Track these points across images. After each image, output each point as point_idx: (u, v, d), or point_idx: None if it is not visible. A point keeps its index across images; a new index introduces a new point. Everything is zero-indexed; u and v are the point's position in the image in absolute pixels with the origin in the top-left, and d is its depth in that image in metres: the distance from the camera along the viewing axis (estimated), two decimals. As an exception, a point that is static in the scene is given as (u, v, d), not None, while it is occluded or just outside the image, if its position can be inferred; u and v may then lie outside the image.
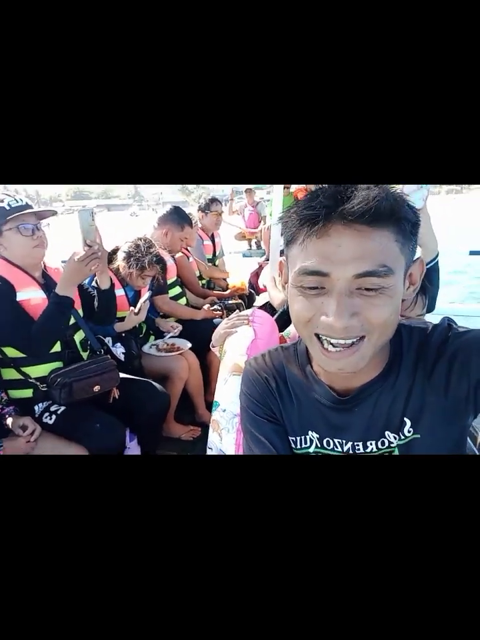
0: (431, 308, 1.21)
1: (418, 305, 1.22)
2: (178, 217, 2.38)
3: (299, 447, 0.71)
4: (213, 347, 1.23)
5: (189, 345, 2.12)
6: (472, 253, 3.20)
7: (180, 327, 2.20)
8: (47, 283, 1.54)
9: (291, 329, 1.22)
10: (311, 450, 0.70)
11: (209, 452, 1.01)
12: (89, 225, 1.45)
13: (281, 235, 0.58)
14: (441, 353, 0.61)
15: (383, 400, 0.64)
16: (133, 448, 1.70)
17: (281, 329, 1.22)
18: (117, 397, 1.63)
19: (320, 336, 0.55)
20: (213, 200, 2.92)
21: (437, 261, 1.21)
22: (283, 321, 1.29)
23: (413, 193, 0.95)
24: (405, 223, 0.50)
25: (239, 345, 1.07)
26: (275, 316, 1.32)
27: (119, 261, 1.96)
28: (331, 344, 0.55)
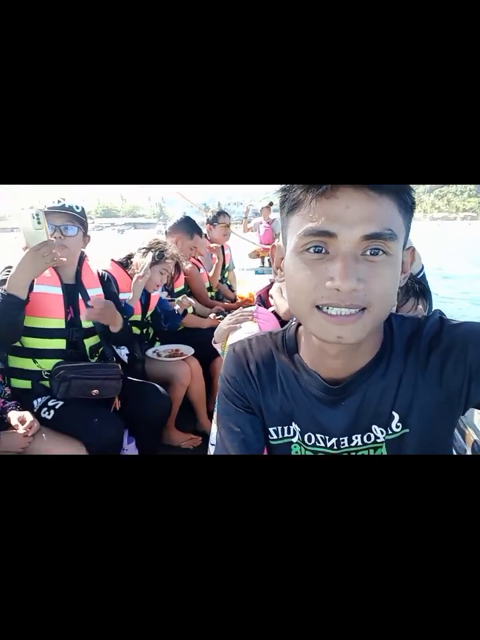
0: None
1: (419, 311, 1.21)
2: (188, 225, 2.42)
3: (279, 437, 0.69)
4: (215, 343, 1.23)
5: (192, 351, 2.13)
6: None
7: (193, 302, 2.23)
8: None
9: None
10: (294, 440, 0.68)
11: (211, 448, 0.99)
12: (34, 228, 1.30)
13: (281, 207, 0.57)
14: (434, 345, 0.60)
15: (372, 391, 0.62)
16: (130, 450, 1.69)
17: None
18: (117, 408, 1.64)
19: (321, 306, 0.53)
20: (221, 212, 2.97)
21: (424, 273, 1.24)
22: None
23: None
24: (407, 196, 0.52)
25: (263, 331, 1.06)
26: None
27: (136, 258, 2.01)
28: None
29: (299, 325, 0.70)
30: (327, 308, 0.53)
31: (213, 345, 1.22)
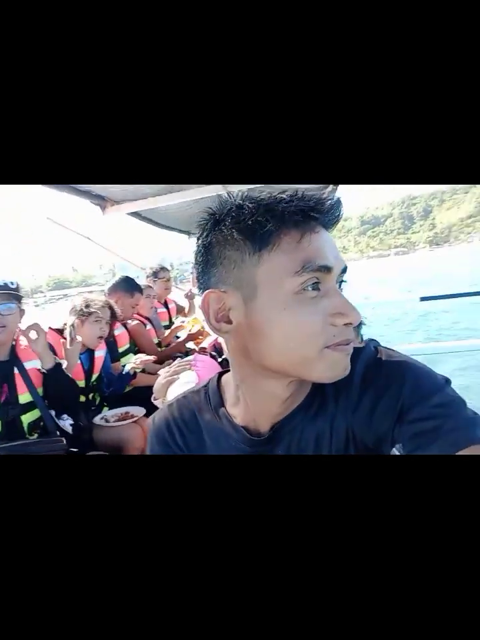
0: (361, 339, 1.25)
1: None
2: (127, 285, 2.42)
3: None
4: (155, 399, 1.18)
5: (144, 411, 2.03)
6: (423, 299, 3.37)
7: (149, 358, 2.15)
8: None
9: None
10: None
11: None
12: None
13: (229, 244, 0.50)
14: (368, 382, 0.54)
15: (305, 436, 0.56)
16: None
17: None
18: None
19: (330, 345, 0.48)
20: (161, 268, 3.01)
21: None
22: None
23: None
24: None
25: (183, 392, 1.03)
26: (221, 358, 1.30)
27: (70, 317, 1.94)
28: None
29: (221, 376, 0.66)
30: (339, 344, 0.49)
31: (153, 401, 1.17)
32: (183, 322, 3.39)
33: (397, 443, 0.51)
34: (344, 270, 0.50)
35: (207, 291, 0.52)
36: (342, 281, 0.51)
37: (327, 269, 0.47)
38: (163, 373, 1.16)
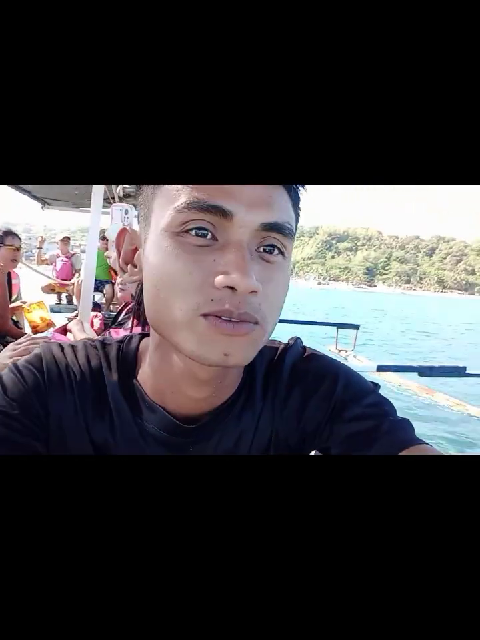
0: None
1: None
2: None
3: None
4: None
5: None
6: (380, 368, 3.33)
7: None
8: None
9: None
10: None
11: None
12: None
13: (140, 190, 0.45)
14: (297, 378, 0.51)
15: (228, 435, 0.49)
16: None
17: None
18: None
19: (208, 314, 0.39)
20: (8, 232, 2.48)
21: None
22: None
23: None
24: (298, 192, 0.43)
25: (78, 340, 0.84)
26: None
27: None
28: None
29: (143, 337, 0.53)
30: (216, 315, 0.39)
31: None
32: (25, 304, 2.95)
33: (327, 443, 0.48)
34: (270, 227, 0.39)
35: (122, 227, 0.48)
36: (271, 245, 0.41)
37: (223, 213, 0.37)
38: (10, 349, 0.97)
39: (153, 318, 0.43)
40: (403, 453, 0.43)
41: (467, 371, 3.38)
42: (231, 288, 0.37)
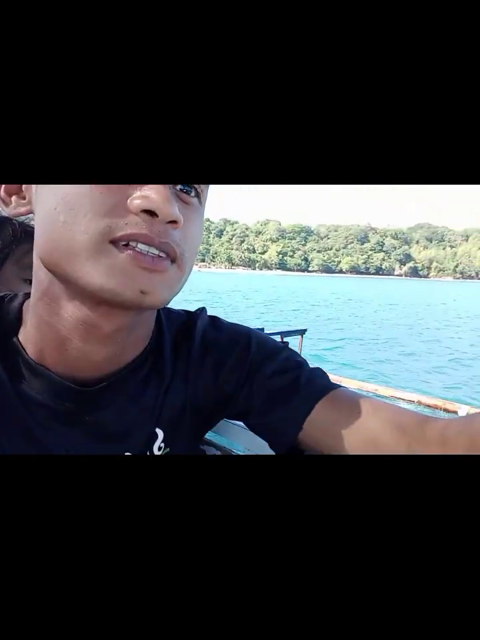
0: None
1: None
2: None
3: None
4: None
5: None
6: None
7: None
8: None
9: None
10: None
11: None
12: None
13: None
14: (209, 344, 0.49)
15: (132, 406, 0.45)
16: None
17: None
18: None
19: (118, 241, 0.34)
20: None
21: None
22: None
23: None
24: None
25: None
26: None
27: None
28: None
29: (28, 296, 0.44)
30: (134, 243, 0.34)
31: None
32: None
33: (250, 401, 0.49)
34: None
35: None
36: (190, 186, 0.39)
37: None
38: None
39: (47, 251, 0.36)
40: (324, 398, 0.45)
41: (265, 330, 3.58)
42: (151, 214, 0.34)
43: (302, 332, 4.74)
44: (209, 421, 0.53)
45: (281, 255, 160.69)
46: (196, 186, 0.39)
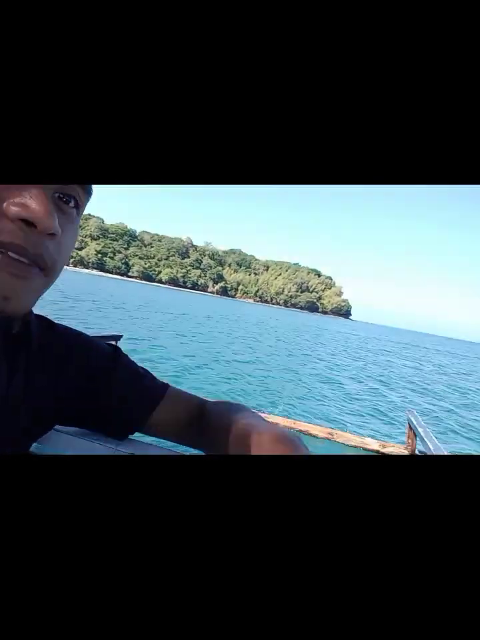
0: None
1: None
2: None
3: None
4: None
5: None
6: None
7: None
8: None
9: None
10: None
11: None
12: None
13: None
14: (47, 350, 0.47)
15: None
16: None
17: None
18: None
19: None
20: None
21: None
22: None
23: None
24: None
25: None
26: None
27: None
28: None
29: None
30: (5, 250, 0.33)
31: None
32: None
33: (95, 405, 0.49)
34: None
35: None
36: (70, 196, 0.37)
37: None
38: None
39: None
40: (166, 397, 0.51)
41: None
42: (28, 224, 0.33)
43: (117, 338, 4.65)
44: (50, 423, 0.51)
45: (100, 255, 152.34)
46: (76, 196, 0.38)
